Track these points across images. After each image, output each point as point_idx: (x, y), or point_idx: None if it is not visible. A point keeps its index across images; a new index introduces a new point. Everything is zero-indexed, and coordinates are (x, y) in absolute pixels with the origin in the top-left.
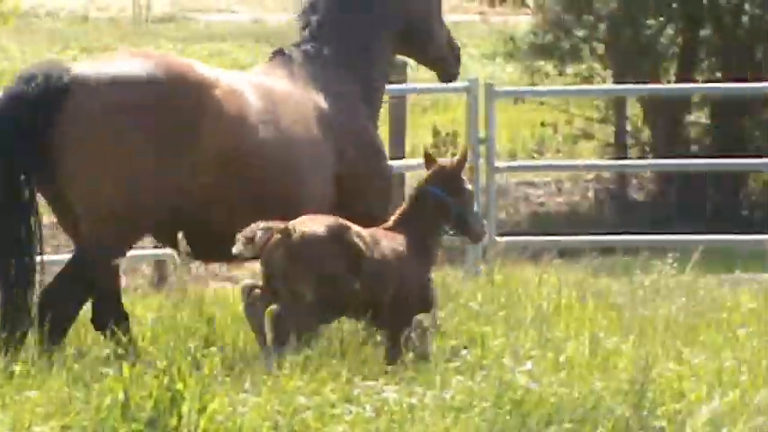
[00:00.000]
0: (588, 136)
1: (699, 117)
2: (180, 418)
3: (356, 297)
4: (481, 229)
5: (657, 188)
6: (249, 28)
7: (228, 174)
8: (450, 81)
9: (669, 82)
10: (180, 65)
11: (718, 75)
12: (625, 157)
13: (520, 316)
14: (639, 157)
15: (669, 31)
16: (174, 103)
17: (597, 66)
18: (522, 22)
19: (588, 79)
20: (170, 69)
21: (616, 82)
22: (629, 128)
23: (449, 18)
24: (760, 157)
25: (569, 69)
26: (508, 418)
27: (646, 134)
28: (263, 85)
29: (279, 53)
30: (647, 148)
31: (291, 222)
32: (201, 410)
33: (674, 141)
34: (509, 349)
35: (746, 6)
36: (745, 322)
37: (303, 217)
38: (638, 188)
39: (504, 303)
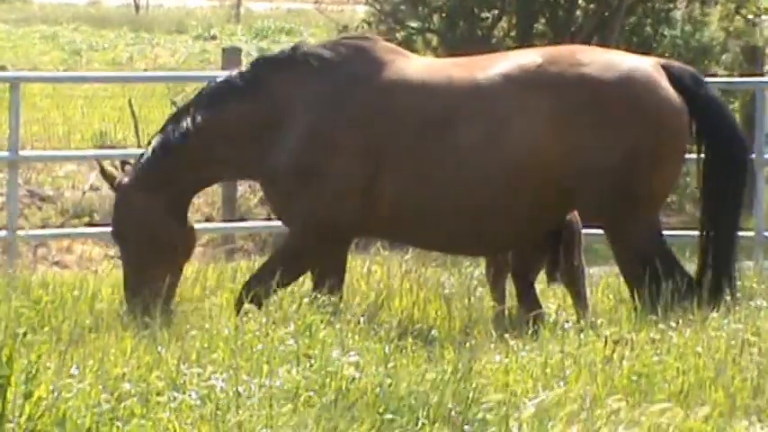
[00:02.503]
0: None
1: None
2: (5, 404)
3: None
4: None
5: None
6: (85, 11)
7: None
8: None
9: None
10: None
11: None
12: None
13: (349, 305)
14: None
15: (503, 24)
16: None
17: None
18: (359, 12)
19: None
20: None
21: None
22: None
23: (285, 6)
24: None
25: None
26: (333, 407)
27: None
28: None
29: None
30: None
31: None
32: (27, 396)
33: None
34: (336, 339)
35: (579, 1)
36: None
37: None
38: None
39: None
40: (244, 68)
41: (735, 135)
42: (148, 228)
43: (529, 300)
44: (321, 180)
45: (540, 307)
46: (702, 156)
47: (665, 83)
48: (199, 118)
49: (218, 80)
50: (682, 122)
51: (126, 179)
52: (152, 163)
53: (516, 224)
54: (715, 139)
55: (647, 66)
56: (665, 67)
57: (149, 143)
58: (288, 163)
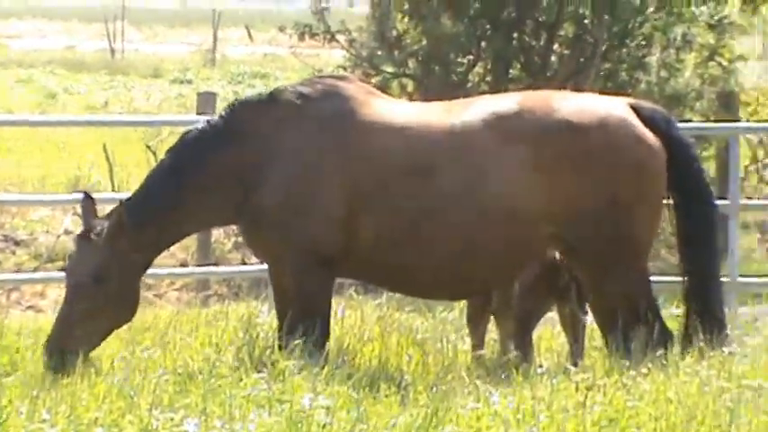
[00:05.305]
0: None
1: None
2: None
3: None
4: None
5: None
6: (60, 55)
7: None
8: None
9: None
10: None
11: None
12: None
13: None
14: None
15: (479, 69)
16: None
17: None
18: (335, 57)
19: None
20: None
21: None
22: None
23: (261, 51)
24: None
25: None
26: None
27: None
28: None
29: None
30: None
31: None
32: None
33: None
34: (308, 383)
35: (555, 47)
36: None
37: None
38: None
39: None
40: (222, 113)
41: (702, 178)
42: (119, 282)
43: (524, 346)
44: (308, 211)
45: (533, 353)
46: (672, 200)
47: (639, 124)
48: (182, 168)
49: (198, 126)
50: (660, 163)
51: (106, 228)
52: (137, 218)
53: (493, 269)
54: (684, 181)
55: (620, 107)
56: (635, 108)
57: (140, 191)
58: (277, 199)
